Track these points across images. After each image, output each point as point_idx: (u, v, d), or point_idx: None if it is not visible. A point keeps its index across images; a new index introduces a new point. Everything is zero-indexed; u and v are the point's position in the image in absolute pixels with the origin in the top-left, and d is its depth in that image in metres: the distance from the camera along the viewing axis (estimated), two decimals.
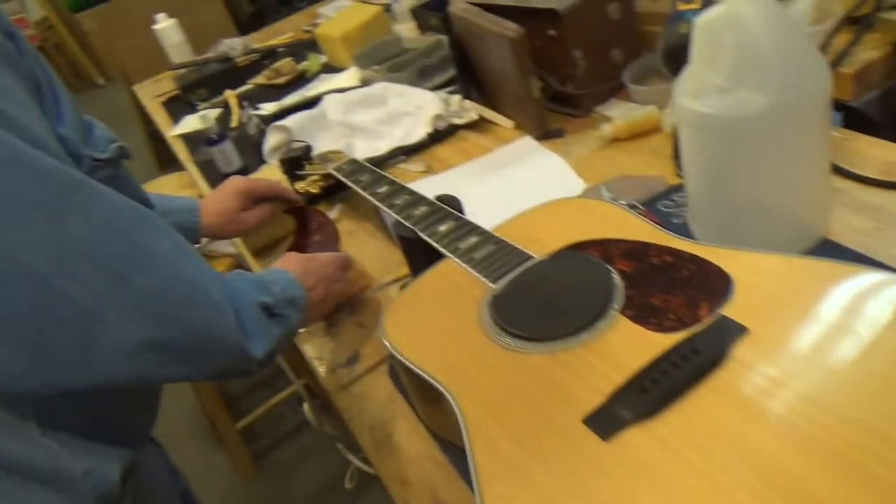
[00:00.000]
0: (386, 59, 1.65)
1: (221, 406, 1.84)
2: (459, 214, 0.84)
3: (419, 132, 1.29)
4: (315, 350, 0.91)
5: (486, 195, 1.09)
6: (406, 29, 1.70)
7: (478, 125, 1.28)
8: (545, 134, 1.18)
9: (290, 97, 1.66)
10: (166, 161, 3.65)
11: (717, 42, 0.70)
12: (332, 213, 1.18)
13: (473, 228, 0.81)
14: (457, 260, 0.75)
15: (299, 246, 1.04)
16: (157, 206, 0.96)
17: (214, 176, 1.42)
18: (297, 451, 1.99)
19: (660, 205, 0.94)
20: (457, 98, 1.32)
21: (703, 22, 0.71)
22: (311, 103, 1.45)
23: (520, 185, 1.08)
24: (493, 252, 0.75)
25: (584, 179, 1.04)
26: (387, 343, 0.70)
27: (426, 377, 0.63)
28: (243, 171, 1.39)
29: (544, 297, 0.67)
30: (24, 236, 0.50)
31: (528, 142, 1.19)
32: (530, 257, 0.73)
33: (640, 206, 0.92)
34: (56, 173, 0.53)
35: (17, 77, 0.57)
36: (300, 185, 1.18)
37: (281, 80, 1.77)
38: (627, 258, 0.69)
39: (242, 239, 1.11)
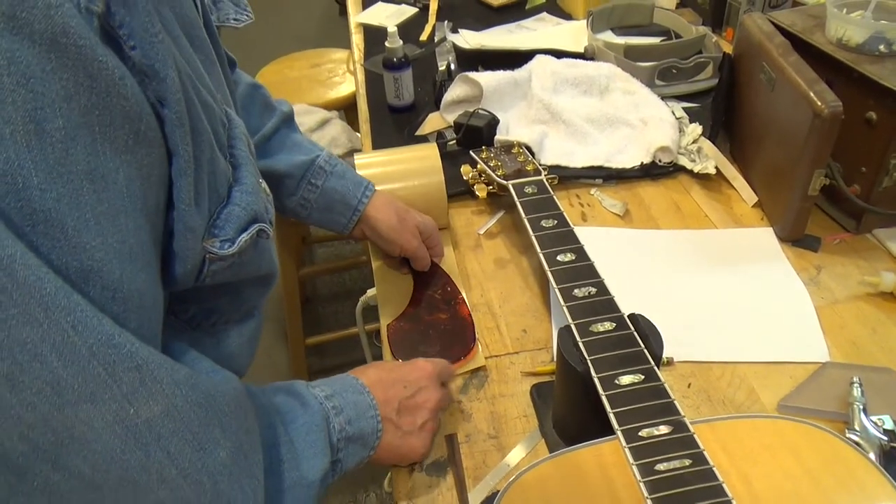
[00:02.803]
0: (626, 28, 1.34)
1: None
2: (655, 367, 0.59)
3: (633, 157, 1.00)
4: None
5: (687, 286, 0.82)
6: None
7: (706, 178, 0.98)
8: (797, 238, 0.87)
9: (497, 31, 1.38)
10: (345, 8, 3.46)
11: None
12: (490, 222, 0.93)
13: (669, 408, 0.55)
14: (634, 466, 0.51)
15: (414, 322, 0.80)
16: (329, 164, 0.81)
17: (375, 97, 1.20)
18: None
19: None
20: (696, 131, 1.01)
21: None
22: (516, 57, 1.17)
23: (737, 299, 0.80)
24: (687, 478, 0.50)
25: (827, 338, 0.75)
26: None
27: None
28: (408, 109, 1.16)
29: None
30: (14, 419, 0.35)
31: (768, 237, 0.88)
32: None
33: None
34: (98, 353, 0.36)
35: (136, 161, 0.39)
36: (467, 172, 0.94)
37: (495, 1, 1.48)
38: None
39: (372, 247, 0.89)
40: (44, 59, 0.33)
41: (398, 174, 0.88)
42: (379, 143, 1.10)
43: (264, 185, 0.56)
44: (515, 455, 0.66)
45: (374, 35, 1.41)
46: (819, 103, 0.76)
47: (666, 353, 0.74)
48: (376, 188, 0.84)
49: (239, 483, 0.46)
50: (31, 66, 0.33)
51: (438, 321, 0.78)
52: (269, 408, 0.55)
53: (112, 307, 0.37)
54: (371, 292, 0.89)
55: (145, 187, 0.40)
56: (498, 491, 0.59)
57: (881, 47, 0.82)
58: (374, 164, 0.89)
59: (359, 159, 0.89)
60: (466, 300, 0.81)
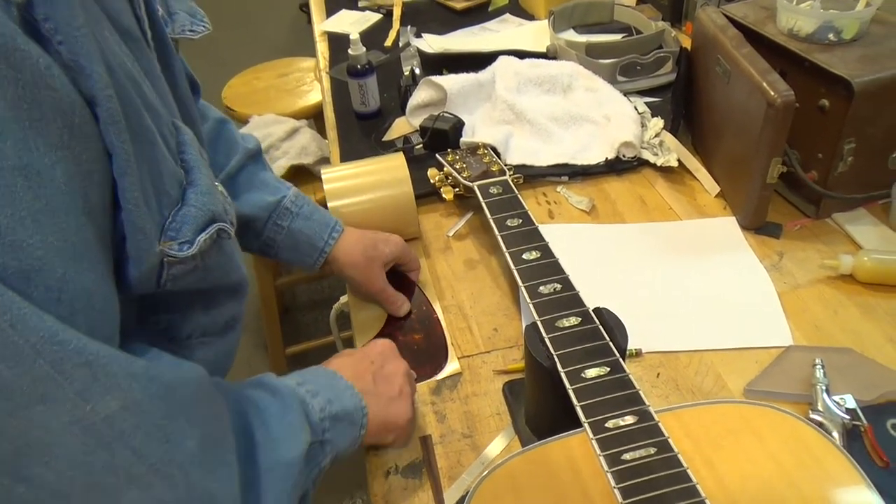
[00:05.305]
0: (587, 26, 1.36)
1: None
2: (620, 359, 0.60)
3: (597, 153, 1.01)
4: None
5: (653, 278, 0.83)
6: None
7: (669, 171, 0.99)
8: (759, 226, 0.89)
9: (461, 34, 1.39)
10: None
11: None
12: (459, 224, 0.94)
13: (634, 398, 0.56)
14: (601, 457, 0.52)
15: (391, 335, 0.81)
16: (296, 204, 0.80)
17: (342, 105, 1.20)
18: None
19: (891, 424, 0.66)
20: (658, 125, 1.03)
21: None
22: (480, 59, 1.18)
23: (703, 288, 0.81)
24: (653, 466, 0.51)
25: (790, 322, 0.76)
26: None
27: None
28: (374, 115, 1.16)
29: None
30: None
31: (731, 226, 0.90)
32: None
33: (863, 421, 0.65)
34: (43, 350, 0.35)
35: (73, 156, 0.38)
36: (434, 175, 0.95)
37: (458, 5, 1.49)
38: None
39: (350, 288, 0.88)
40: None
41: (366, 186, 0.89)
42: (347, 149, 1.11)
43: (220, 187, 0.56)
44: (489, 453, 0.67)
45: (338, 42, 1.41)
46: (772, 93, 0.78)
47: (634, 345, 0.75)
48: (346, 202, 0.84)
49: (212, 472, 0.45)
50: None
51: (412, 342, 0.79)
52: (240, 397, 0.54)
53: (58, 309, 0.36)
54: (344, 299, 0.90)
55: (86, 185, 0.39)
56: None
57: (830, 36, 0.84)
58: (341, 178, 0.89)
59: (325, 173, 0.89)
60: (441, 316, 0.81)
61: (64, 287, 0.37)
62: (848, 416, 0.65)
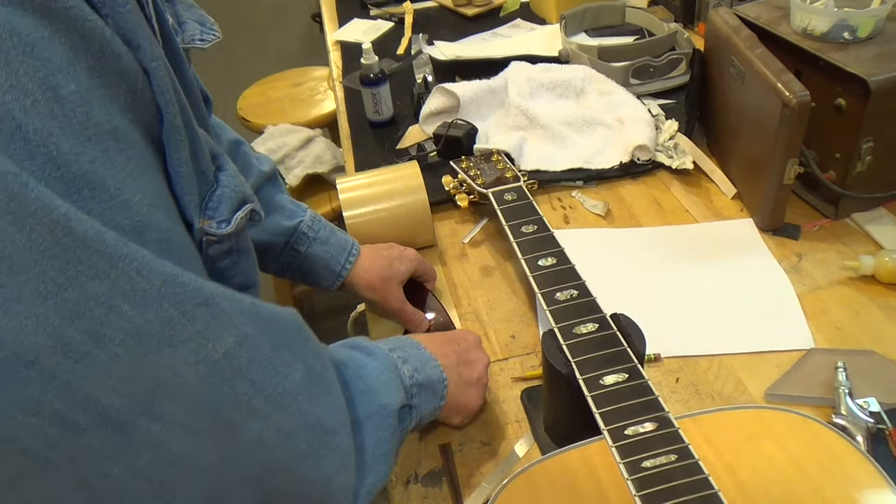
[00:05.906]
0: (598, 29, 1.35)
1: None
2: (638, 365, 0.60)
3: (611, 157, 1.01)
4: None
5: (671, 282, 0.82)
6: None
7: (685, 173, 0.99)
8: (777, 227, 0.88)
9: (472, 40, 1.39)
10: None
11: None
12: (474, 231, 0.94)
13: (654, 405, 0.56)
14: (621, 465, 0.52)
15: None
16: (313, 229, 0.80)
17: (356, 114, 1.21)
18: None
19: None
20: (672, 128, 1.02)
21: None
22: (492, 66, 1.19)
23: (721, 292, 0.81)
24: (674, 474, 0.51)
25: (811, 324, 0.76)
26: None
27: None
28: (388, 124, 1.17)
29: None
30: (104, 373, 0.35)
31: (748, 228, 0.89)
32: None
33: (887, 424, 0.64)
34: (167, 293, 0.36)
35: (137, 120, 0.40)
36: (448, 182, 0.95)
37: (469, 11, 1.49)
38: None
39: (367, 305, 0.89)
40: (40, 27, 0.33)
41: (381, 195, 0.89)
42: (361, 158, 1.11)
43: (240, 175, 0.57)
44: (509, 461, 0.67)
45: (351, 51, 1.42)
46: (787, 94, 0.77)
47: (653, 349, 0.75)
48: (362, 211, 0.84)
49: (320, 401, 0.47)
50: (31, 34, 0.33)
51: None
52: (334, 353, 0.56)
53: (169, 258, 0.38)
54: (361, 307, 0.90)
55: (152, 148, 0.41)
56: None
57: (845, 34, 0.83)
58: (356, 188, 0.90)
59: (340, 183, 0.90)
60: (458, 324, 0.82)
61: (171, 238, 0.39)
62: (872, 420, 0.64)
